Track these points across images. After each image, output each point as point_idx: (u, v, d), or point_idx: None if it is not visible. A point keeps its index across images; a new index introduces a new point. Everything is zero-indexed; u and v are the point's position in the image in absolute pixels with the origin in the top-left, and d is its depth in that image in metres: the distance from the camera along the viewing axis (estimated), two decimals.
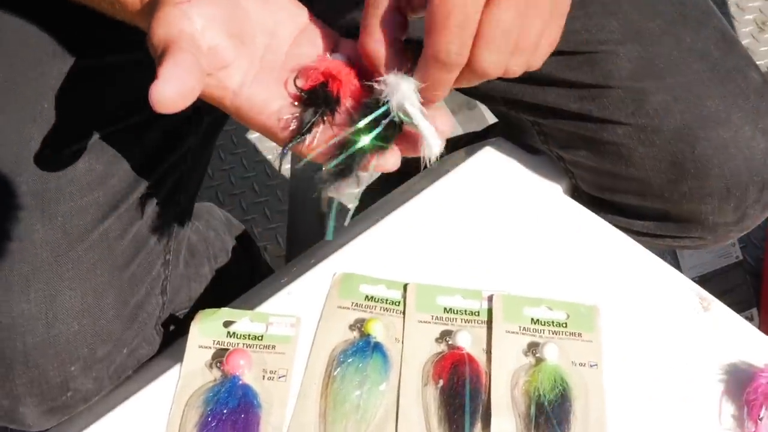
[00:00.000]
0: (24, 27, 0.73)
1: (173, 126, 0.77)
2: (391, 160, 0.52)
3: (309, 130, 0.51)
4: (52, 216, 0.69)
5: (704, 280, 1.42)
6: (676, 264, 1.43)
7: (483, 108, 1.34)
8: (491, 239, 0.74)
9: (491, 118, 1.26)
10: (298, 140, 0.51)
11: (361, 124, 0.51)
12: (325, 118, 0.52)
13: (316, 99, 0.52)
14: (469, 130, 1.32)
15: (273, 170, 1.63)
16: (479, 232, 0.74)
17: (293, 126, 0.52)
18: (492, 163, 0.81)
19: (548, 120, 0.80)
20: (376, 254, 0.73)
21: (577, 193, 0.84)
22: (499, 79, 0.77)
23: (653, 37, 0.76)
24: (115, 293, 0.72)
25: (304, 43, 0.55)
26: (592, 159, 0.79)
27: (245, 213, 1.58)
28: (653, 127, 0.75)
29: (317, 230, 1.28)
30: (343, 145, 0.51)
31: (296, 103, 0.53)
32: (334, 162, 0.51)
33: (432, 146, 0.51)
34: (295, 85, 0.53)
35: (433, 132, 0.51)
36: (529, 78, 0.76)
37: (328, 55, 0.54)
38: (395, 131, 0.52)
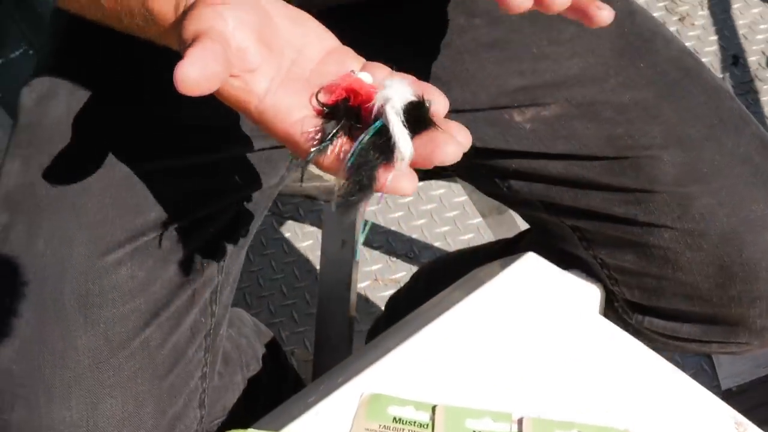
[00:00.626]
0: (72, 132, 0.76)
1: (210, 238, 0.78)
2: (404, 182, 0.51)
3: (331, 140, 0.51)
4: (95, 322, 0.69)
5: (741, 391, 1.39)
6: (713, 373, 1.42)
7: (513, 212, 1.34)
8: (522, 358, 0.73)
9: (522, 224, 1.26)
10: (320, 149, 0.51)
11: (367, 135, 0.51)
12: (345, 133, 0.52)
13: (338, 113, 0.52)
14: (500, 236, 1.33)
15: (302, 272, 1.63)
16: (510, 350, 0.73)
17: (316, 137, 0.52)
18: (525, 279, 0.81)
19: (592, 224, 0.80)
20: (405, 372, 0.72)
21: (617, 302, 0.84)
22: (540, 181, 0.81)
23: (695, 143, 0.77)
24: (154, 402, 0.72)
25: (331, 63, 0.56)
26: (638, 263, 0.79)
27: (273, 316, 1.57)
28: (700, 231, 0.75)
29: (346, 335, 1.27)
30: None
31: (318, 117, 0.53)
32: (347, 166, 0.50)
33: (402, 150, 0.50)
34: (317, 100, 0.53)
35: (405, 136, 0.50)
36: (572, 182, 0.79)
37: (353, 74, 0.55)
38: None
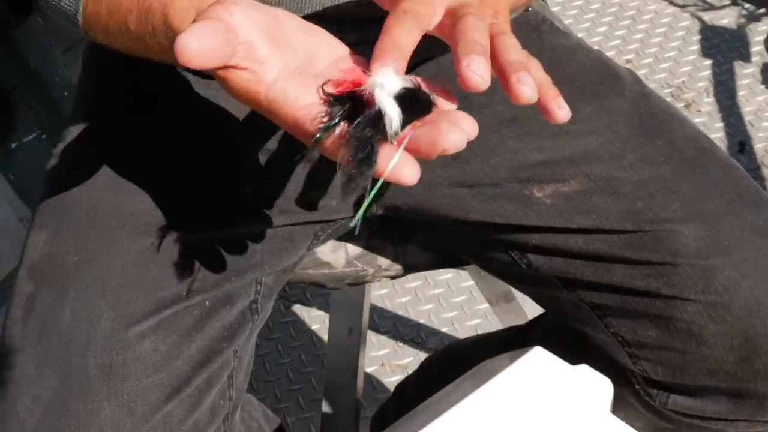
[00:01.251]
0: (96, 202, 0.78)
1: (232, 319, 0.80)
2: (406, 170, 0.52)
3: (336, 124, 0.53)
4: (118, 393, 0.70)
5: None
6: None
7: (520, 301, 1.35)
8: None
9: (530, 311, 1.26)
10: (326, 129, 0.53)
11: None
12: (349, 120, 0.53)
13: (343, 102, 0.53)
14: (507, 323, 1.33)
15: (308, 357, 1.63)
16: None
17: (321, 121, 0.53)
18: (533, 374, 0.79)
19: (614, 299, 0.80)
20: None
21: (638, 384, 0.83)
22: (560, 256, 0.81)
23: (715, 217, 0.78)
24: None
25: (342, 65, 0.57)
26: (661, 338, 0.79)
27: (279, 401, 1.56)
28: (723, 303, 0.75)
29: (352, 422, 1.26)
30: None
31: (324, 105, 0.55)
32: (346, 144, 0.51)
33: (390, 117, 0.51)
34: (323, 90, 0.54)
35: (393, 106, 0.52)
36: (593, 256, 0.80)
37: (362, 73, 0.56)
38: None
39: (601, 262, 0.80)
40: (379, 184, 0.53)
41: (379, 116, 0.52)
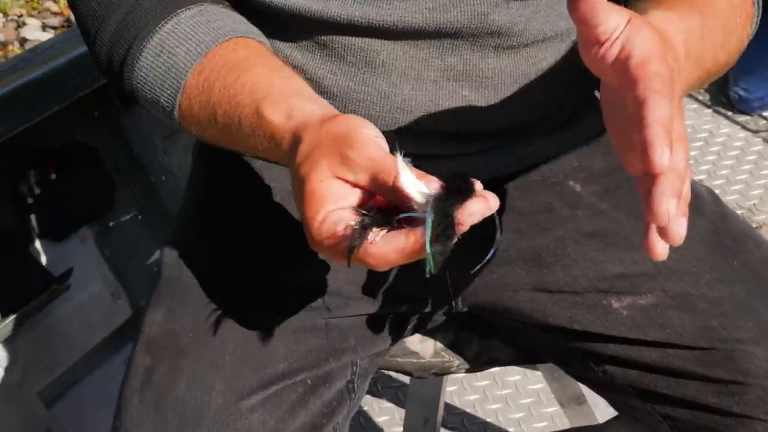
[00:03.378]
0: (210, 285, 0.81)
1: (331, 396, 0.81)
2: (475, 206, 0.53)
3: (364, 235, 0.55)
4: None
5: None
6: None
7: (592, 404, 1.32)
8: None
9: (600, 416, 1.24)
10: (356, 241, 0.55)
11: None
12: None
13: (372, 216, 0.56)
14: (577, 425, 1.30)
15: None
16: None
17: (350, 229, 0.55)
18: None
19: (685, 413, 0.79)
20: None
21: None
22: (635, 368, 0.81)
23: None
24: None
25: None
26: None
27: None
28: None
29: None
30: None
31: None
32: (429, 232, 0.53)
33: (416, 199, 0.54)
34: (356, 209, 0.57)
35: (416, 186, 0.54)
36: (666, 370, 0.79)
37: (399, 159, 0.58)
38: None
39: (674, 377, 0.79)
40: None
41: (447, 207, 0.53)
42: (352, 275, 0.84)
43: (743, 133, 2.26)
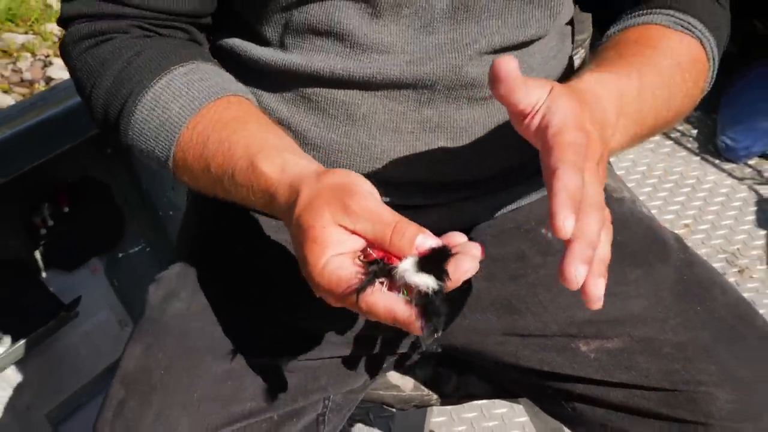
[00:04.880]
0: (188, 328, 0.81)
1: (299, 429, 0.82)
2: (465, 264, 0.56)
3: (370, 283, 0.57)
4: None
5: None
6: None
7: None
8: None
9: None
10: (361, 289, 0.57)
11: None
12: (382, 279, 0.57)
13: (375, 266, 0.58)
14: None
15: None
16: None
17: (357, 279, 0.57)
18: None
19: None
20: None
21: None
22: (602, 407, 0.81)
23: (748, 384, 0.78)
24: None
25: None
26: None
27: None
28: None
29: None
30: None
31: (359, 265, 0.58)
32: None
33: (424, 286, 0.56)
34: (360, 260, 0.59)
35: (417, 278, 0.56)
36: (632, 409, 0.80)
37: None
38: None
39: (640, 416, 0.80)
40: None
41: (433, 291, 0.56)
42: (328, 319, 0.83)
43: (729, 180, 2.27)
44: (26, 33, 3.36)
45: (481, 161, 0.84)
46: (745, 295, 0.94)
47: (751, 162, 2.34)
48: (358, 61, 0.78)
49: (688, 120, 2.47)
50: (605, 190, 0.93)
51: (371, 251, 0.59)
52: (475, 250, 0.58)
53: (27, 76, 3.12)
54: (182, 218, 1.00)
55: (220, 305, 0.83)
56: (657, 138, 2.40)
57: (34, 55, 3.29)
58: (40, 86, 3.05)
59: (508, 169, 0.87)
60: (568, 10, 0.86)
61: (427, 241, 0.57)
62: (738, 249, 2.06)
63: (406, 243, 0.57)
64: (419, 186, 0.83)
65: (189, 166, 0.73)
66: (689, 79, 0.76)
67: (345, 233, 0.59)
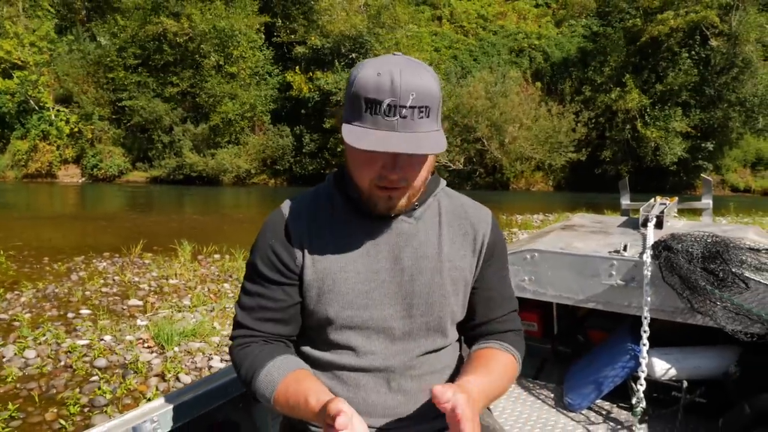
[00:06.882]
0: None
1: None
2: None
3: None
4: None
5: None
6: None
7: None
8: None
9: None
10: None
11: None
12: None
13: None
14: None
15: None
16: None
17: None
18: None
19: None
20: None
21: None
22: None
23: None
24: None
25: None
26: None
27: None
28: None
29: None
30: None
31: None
32: None
33: None
34: None
35: None
36: None
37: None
38: None
39: None
40: None
41: None
42: None
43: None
44: (201, 342, 4.79)
45: (421, 412, 1.50)
46: None
47: (583, 411, 2.76)
48: (362, 360, 1.46)
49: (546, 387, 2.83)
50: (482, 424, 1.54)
51: None
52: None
53: (198, 365, 4.35)
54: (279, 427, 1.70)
55: None
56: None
57: (203, 354, 4.60)
58: (206, 371, 4.23)
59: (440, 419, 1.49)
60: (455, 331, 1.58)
61: None
62: None
63: None
64: (394, 422, 1.51)
65: (281, 403, 1.33)
66: (510, 371, 1.40)
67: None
